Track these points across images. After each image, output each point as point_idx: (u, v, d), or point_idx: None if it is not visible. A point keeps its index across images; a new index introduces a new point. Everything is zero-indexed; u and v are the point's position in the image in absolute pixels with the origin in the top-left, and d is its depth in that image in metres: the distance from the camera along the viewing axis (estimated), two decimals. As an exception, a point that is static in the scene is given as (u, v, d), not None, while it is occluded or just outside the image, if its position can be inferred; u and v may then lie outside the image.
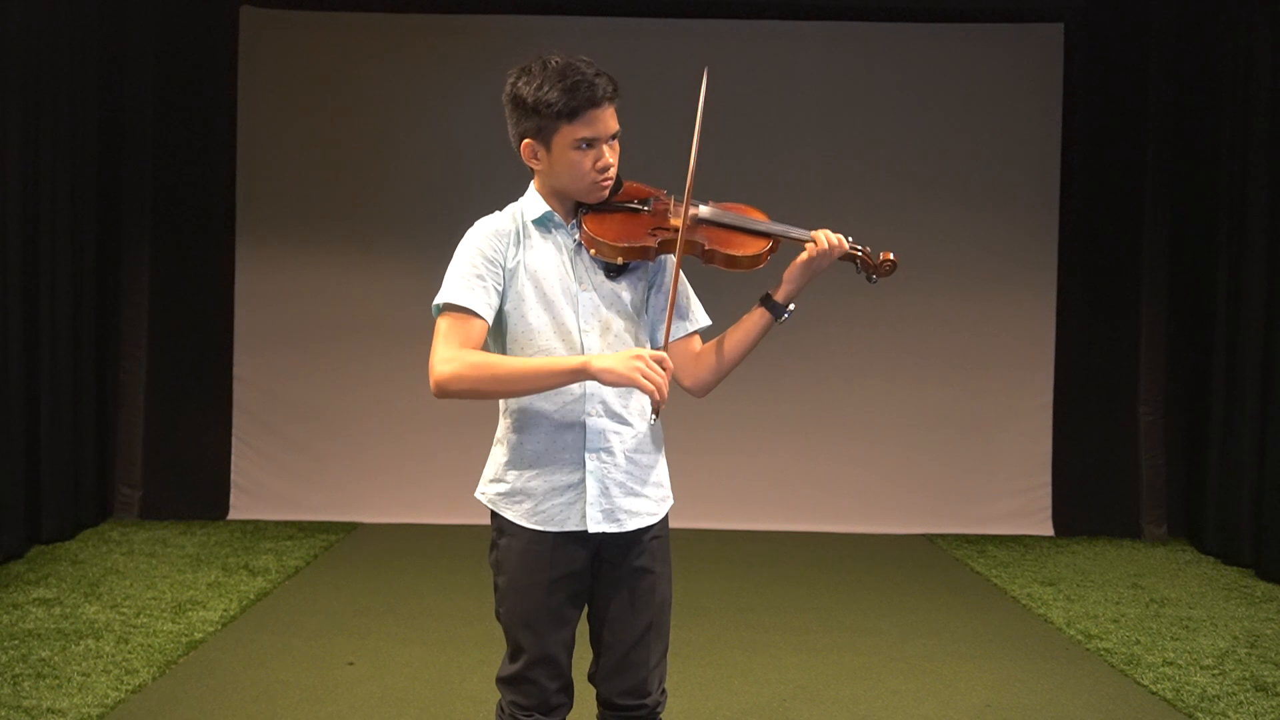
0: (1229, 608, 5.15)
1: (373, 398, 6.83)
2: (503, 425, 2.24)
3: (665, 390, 2.01)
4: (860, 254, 2.25)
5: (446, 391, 2.07)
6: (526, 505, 2.19)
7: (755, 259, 2.22)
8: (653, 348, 2.23)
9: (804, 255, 2.21)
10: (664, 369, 2.02)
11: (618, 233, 2.17)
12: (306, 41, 6.86)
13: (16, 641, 4.20)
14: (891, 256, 2.26)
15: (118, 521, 6.52)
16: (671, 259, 2.22)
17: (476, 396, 2.10)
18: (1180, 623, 4.87)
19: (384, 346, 6.76)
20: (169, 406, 6.69)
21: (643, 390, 2.01)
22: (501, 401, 2.25)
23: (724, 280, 2.28)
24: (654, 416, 2.08)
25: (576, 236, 2.21)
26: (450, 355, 2.07)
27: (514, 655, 2.22)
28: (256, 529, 6.45)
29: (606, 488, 2.19)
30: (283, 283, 6.83)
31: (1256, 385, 5.84)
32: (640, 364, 2.00)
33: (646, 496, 2.24)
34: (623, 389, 2.20)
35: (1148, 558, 6.19)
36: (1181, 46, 6.59)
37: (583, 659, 2.27)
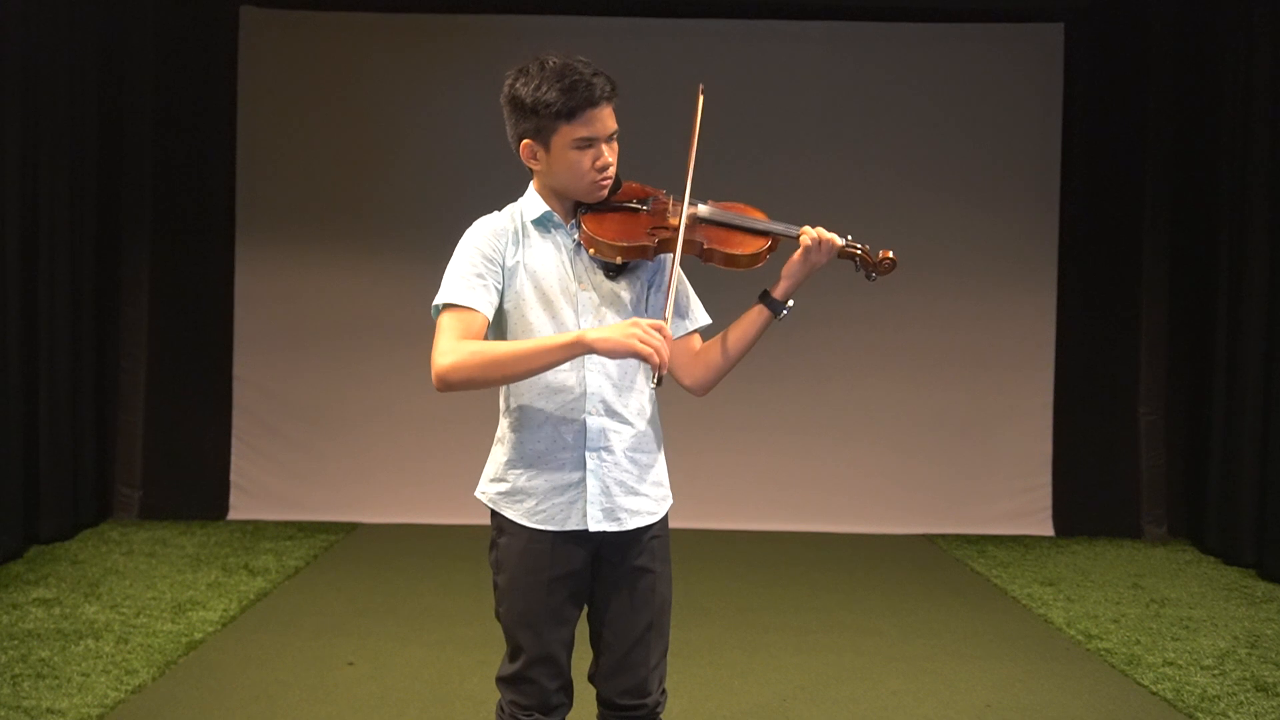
0: (1229, 608, 5.15)
1: (372, 398, 6.83)
2: (503, 424, 2.24)
3: (666, 355, 1.98)
4: (859, 252, 2.25)
5: (448, 382, 2.06)
6: (527, 504, 2.19)
7: (754, 258, 2.22)
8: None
9: (798, 252, 2.21)
10: (662, 335, 1.99)
11: (616, 232, 2.17)
12: (306, 41, 6.86)
13: (16, 642, 4.20)
14: (891, 255, 2.25)
15: (117, 521, 6.51)
16: (671, 258, 2.22)
17: (478, 385, 2.08)
18: (1181, 623, 4.86)
19: (384, 346, 6.76)
20: (169, 406, 6.69)
21: (642, 356, 1.97)
22: (502, 400, 2.25)
23: (723, 279, 2.27)
24: (656, 383, 2.04)
25: (576, 236, 2.21)
26: (449, 347, 2.07)
27: (514, 655, 2.22)
28: (256, 529, 6.44)
29: (607, 486, 2.19)
30: (283, 283, 6.83)
31: (1258, 384, 5.83)
32: (637, 330, 1.98)
33: (646, 495, 2.24)
34: (623, 388, 2.20)
35: (1148, 558, 6.19)
36: (1181, 46, 6.59)
37: (583, 659, 2.27)
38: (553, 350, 2.04)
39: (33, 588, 4.99)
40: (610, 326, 2.03)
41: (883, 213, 6.58)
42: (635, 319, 2.03)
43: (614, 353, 2.00)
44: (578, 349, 2.03)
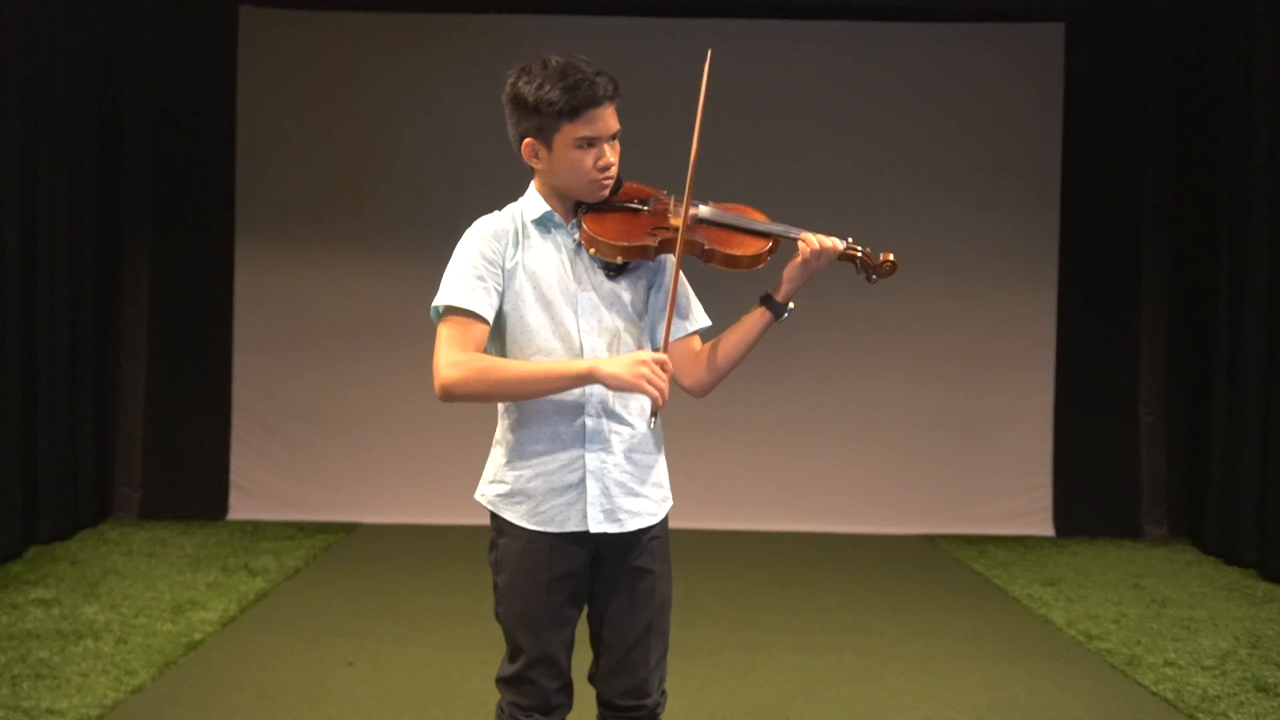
0: (1230, 608, 5.14)
1: (372, 398, 6.83)
2: (502, 426, 2.24)
3: (667, 393, 2.05)
4: (860, 254, 2.25)
5: (452, 396, 2.07)
6: (526, 506, 2.19)
7: (755, 259, 2.22)
8: (652, 348, 2.24)
9: (798, 255, 2.21)
10: (665, 371, 2.05)
11: (617, 232, 2.17)
12: (306, 41, 6.85)
13: (15, 642, 4.20)
14: (891, 257, 2.26)
15: (117, 522, 6.51)
16: (671, 259, 2.22)
17: (482, 400, 2.11)
18: (1181, 623, 4.86)
19: (384, 346, 6.76)
20: (169, 406, 6.68)
21: (648, 395, 2.03)
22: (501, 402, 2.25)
23: (724, 280, 2.27)
24: (654, 419, 2.09)
25: (576, 236, 2.21)
26: (455, 359, 2.07)
27: (513, 655, 2.22)
28: (256, 529, 6.44)
29: (607, 488, 2.18)
30: (282, 283, 6.83)
31: (1259, 384, 5.83)
32: (645, 370, 2.02)
33: (646, 496, 2.23)
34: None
35: (1148, 558, 6.19)
36: (1181, 46, 6.59)
37: (583, 659, 2.27)
38: (563, 378, 2.08)
39: (32, 588, 4.99)
40: (619, 361, 2.06)
41: (883, 213, 6.58)
42: (642, 355, 2.06)
43: (622, 389, 2.06)
44: (587, 381, 2.08)
